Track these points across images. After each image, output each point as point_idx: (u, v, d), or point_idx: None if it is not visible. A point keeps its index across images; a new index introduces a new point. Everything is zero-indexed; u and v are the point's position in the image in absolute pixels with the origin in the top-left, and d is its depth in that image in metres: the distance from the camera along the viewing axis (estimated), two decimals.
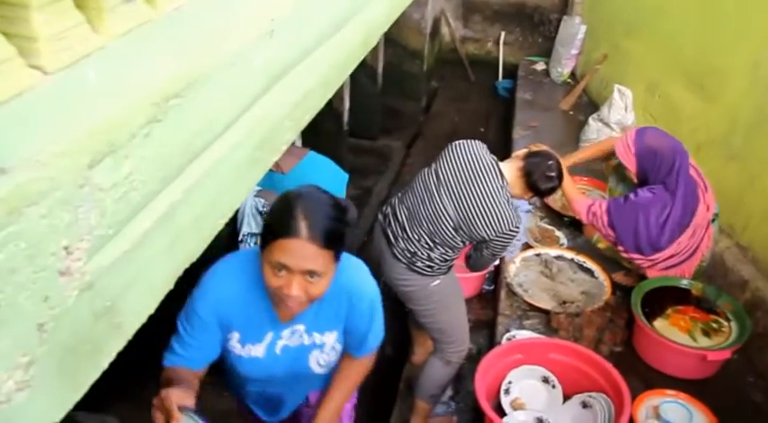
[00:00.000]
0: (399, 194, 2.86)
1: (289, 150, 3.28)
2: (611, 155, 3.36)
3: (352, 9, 2.54)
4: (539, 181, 2.64)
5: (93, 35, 1.13)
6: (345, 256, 1.84)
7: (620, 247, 3.20)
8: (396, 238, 2.74)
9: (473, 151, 2.66)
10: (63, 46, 1.04)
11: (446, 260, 2.70)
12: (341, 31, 2.35)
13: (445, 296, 2.81)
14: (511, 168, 2.67)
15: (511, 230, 2.57)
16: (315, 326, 1.94)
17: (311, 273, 1.65)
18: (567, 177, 3.01)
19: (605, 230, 3.16)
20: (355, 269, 1.95)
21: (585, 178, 4.36)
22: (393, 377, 3.59)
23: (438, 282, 2.76)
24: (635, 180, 3.21)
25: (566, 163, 3.40)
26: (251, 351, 1.94)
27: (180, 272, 1.48)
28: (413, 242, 2.68)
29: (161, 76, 1.28)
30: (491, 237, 2.56)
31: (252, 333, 1.92)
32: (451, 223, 2.59)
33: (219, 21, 1.50)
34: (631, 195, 3.14)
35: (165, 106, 1.26)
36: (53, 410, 1.10)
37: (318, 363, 1.99)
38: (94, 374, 1.19)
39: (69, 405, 1.12)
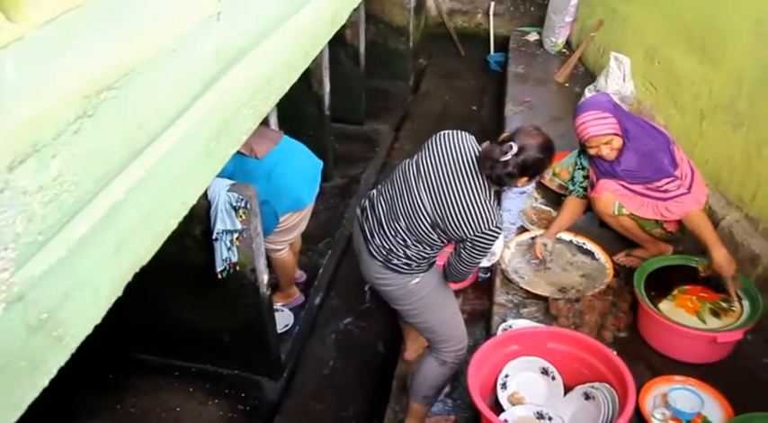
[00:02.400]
0: (379, 187, 2.82)
1: (264, 134, 3.26)
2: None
3: None
4: (492, 170, 2.45)
5: (9, 24, 1.10)
6: None
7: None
8: (372, 235, 2.71)
9: (458, 142, 2.59)
10: None
11: (424, 257, 2.65)
12: (303, 9, 2.32)
13: (428, 295, 2.77)
14: None
15: (491, 230, 2.49)
16: None
17: None
18: (717, 247, 3.05)
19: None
20: None
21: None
22: (385, 375, 3.58)
23: (418, 280, 2.72)
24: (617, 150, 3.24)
25: (550, 231, 3.58)
26: None
27: (129, 276, 1.46)
28: (388, 238, 2.65)
29: (92, 67, 1.26)
30: (469, 236, 2.49)
31: None
32: (428, 219, 2.54)
33: (157, 4, 1.47)
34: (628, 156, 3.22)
35: (97, 99, 1.24)
36: None
37: None
38: (32, 394, 1.17)
39: None
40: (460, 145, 2.59)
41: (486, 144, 2.56)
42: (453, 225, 2.49)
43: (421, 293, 2.74)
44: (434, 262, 2.79)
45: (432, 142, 2.65)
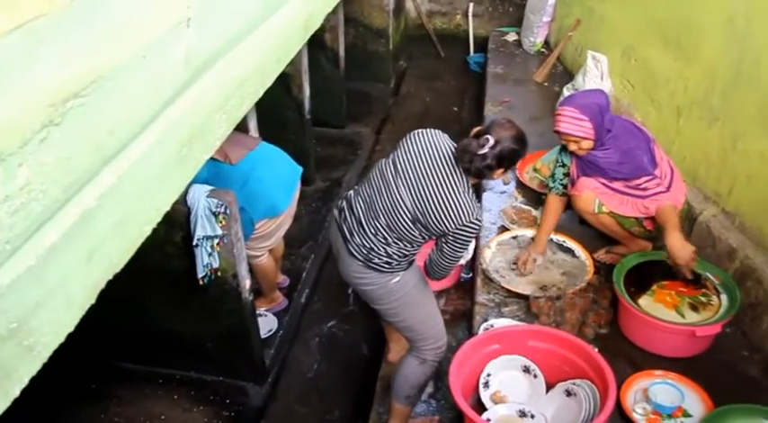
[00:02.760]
0: (356, 187, 2.84)
1: (238, 140, 3.26)
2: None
3: None
4: (471, 163, 2.53)
5: None
6: None
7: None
8: (351, 234, 2.72)
9: (432, 140, 2.65)
10: None
11: (405, 255, 2.68)
12: (275, 14, 2.32)
13: (408, 293, 2.79)
14: None
15: (471, 222, 2.53)
16: None
17: None
18: (673, 235, 3.04)
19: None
20: None
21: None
22: (369, 377, 3.59)
23: (398, 279, 2.74)
24: (585, 150, 3.27)
25: (540, 243, 3.57)
26: None
27: (103, 283, 1.46)
28: (369, 237, 2.67)
29: (58, 75, 1.26)
30: (450, 229, 2.53)
31: None
32: (409, 215, 2.57)
33: (125, 11, 1.47)
34: (607, 152, 3.25)
35: (64, 107, 1.24)
36: None
37: None
38: (3, 403, 1.16)
39: None
40: (435, 142, 2.65)
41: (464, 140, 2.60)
42: (434, 219, 2.53)
43: (401, 292, 2.76)
44: (414, 260, 2.81)
45: (407, 141, 2.69)
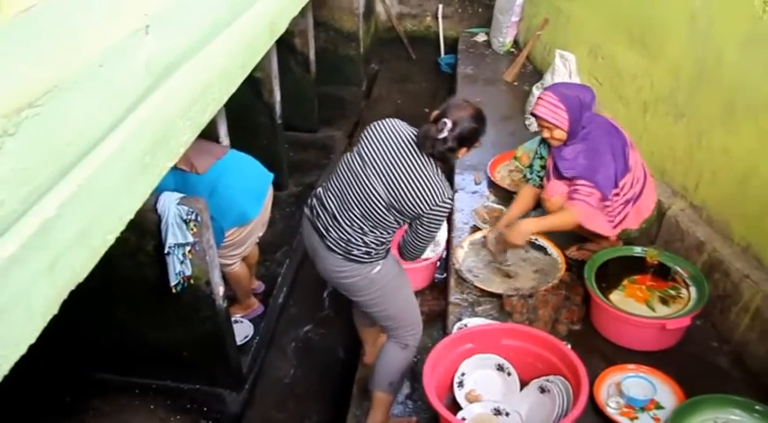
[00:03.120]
0: (323, 184, 2.87)
1: (205, 149, 3.24)
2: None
3: None
4: (433, 148, 2.60)
5: None
6: None
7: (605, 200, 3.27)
8: (327, 230, 2.74)
9: (393, 128, 2.71)
10: None
11: (382, 243, 2.73)
12: (238, 19, 2.31)
13: (388, 282, 2.83)
14: None
15: (444, 202, 2.61)
16: None
17: None
18: (530, 222, 3.24)
19: (604, 201, 3.27)
20: None
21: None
22: (346, 381, 3.59)
23: (379, 268, 2.78)
24: (557, 140, 3.30)
25: (498, 227, 3.61)
26: None
27: (65, 294, 1.44)
28: (345, 229, 2.69)
29: (10, 85, 1.24)
30: (425, 211, 2.60)
31: None
32: (383, 203, 2.62)
33: (79, 20, 1.46)
34: (575, 147, 3.27)
35: (17, 118, 1.23)
36: None
37: None
38: None
39: None
40: (396, 129, 2.71)
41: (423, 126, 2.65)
42: (409, 204, 2.59)
43: (382, 282, 2.80)
44: (390, 249, 2.84)
45: (368, 132, 2.75)
